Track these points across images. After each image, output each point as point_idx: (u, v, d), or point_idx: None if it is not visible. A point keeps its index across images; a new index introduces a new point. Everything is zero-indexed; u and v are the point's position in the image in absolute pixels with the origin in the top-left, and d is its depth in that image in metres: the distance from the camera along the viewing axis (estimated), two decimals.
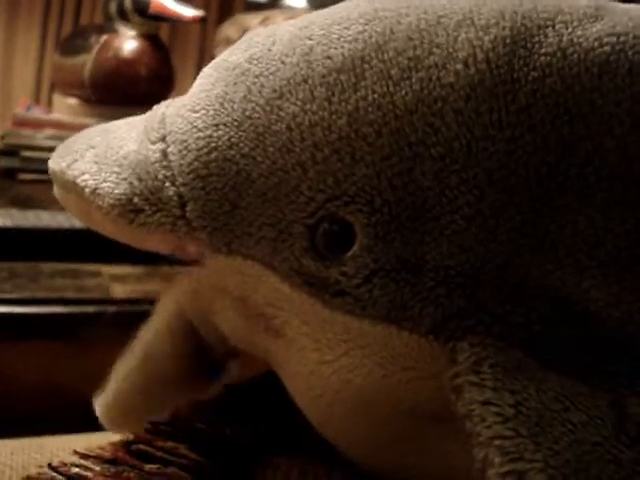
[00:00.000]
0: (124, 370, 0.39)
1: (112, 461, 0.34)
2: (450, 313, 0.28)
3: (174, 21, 1.15)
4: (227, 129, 0.32)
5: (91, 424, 0.45)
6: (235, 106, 0.32)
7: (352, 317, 0.30)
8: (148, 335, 0.39)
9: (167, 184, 0.32)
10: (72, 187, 0.34)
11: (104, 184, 0.33)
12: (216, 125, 0.32)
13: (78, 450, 0.35)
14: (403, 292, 0.29)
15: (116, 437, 0.37)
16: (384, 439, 0.32)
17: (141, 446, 0.35)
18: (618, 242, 0.28)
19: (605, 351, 0.28)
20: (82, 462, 0.34)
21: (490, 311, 0.28)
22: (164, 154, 0.33)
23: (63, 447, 0.42)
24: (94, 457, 0.35)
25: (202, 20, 1.10)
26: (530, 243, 0.28)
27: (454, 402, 0.26)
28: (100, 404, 0.40)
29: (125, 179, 0.33)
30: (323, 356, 0.31)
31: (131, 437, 0.36)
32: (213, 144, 0.32)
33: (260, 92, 0.32)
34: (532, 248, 0.28)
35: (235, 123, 0.32)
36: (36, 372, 0.72)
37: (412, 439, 0.32)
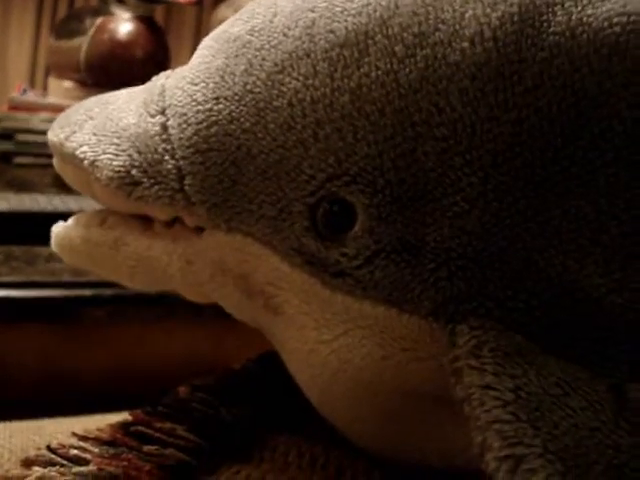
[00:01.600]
0: (91, 237, 0.36)
1: (110, 443, 0.35)
2: (450, 295, 0.28)
3: (170, 3, 1.14)
4: (227, 103, 0.31)
5: (89, 406, 0.46)
6: (236, 79, 0.32)
7: (352, 298, 0.30)
8: (129, 240, 0.35)
9: (166, 157, 0.32)
10: (71, 158, 0.34)
11: (103, 156, 0.33)
12: (216, 99, 0.32)
13: (76, 432, 0.35)
14: (404, 274, 0.29)
15: (114, 419, 0.37)
16: (383, 420, 0.32)
17: (139, 427, 0.35)
18: (623, 228, 0.28)
19: (606, 337, 0.28)
20: (81, 444, 0.35)
21: (491, 295, 0.28)
22: (164, 127, 0.32)
23: (61, 429, 0.42)
24: (92, 439, 0.35)
25: (198, 2, 1.10)
26: (533, 227, 0.28)
27: (453, 385, 0.26)
28: (60, 237, 0.37)
29: (124, 151, 0.33)
30: (322, 335, 0.31)
31: (129, 419, 0.36)
32: (213, 118, 0.32)
33: (261, 66, 0.31)
34: (535, 232, 0.28)
35: (236, 97, 0.31)
36: (34, 355, 0.72)
37: (411, 420, 0.32)
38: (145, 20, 1.13)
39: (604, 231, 0.28)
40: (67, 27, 1.19)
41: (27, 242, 0.79)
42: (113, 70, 1.11)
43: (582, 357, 0.28)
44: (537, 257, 0.28)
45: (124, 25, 1.12)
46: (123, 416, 0.37)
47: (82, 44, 1.12)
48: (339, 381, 0.31)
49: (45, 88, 1.50)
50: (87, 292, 0.73)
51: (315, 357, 0.31)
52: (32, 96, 1.21)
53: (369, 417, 0.32)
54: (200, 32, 1.90)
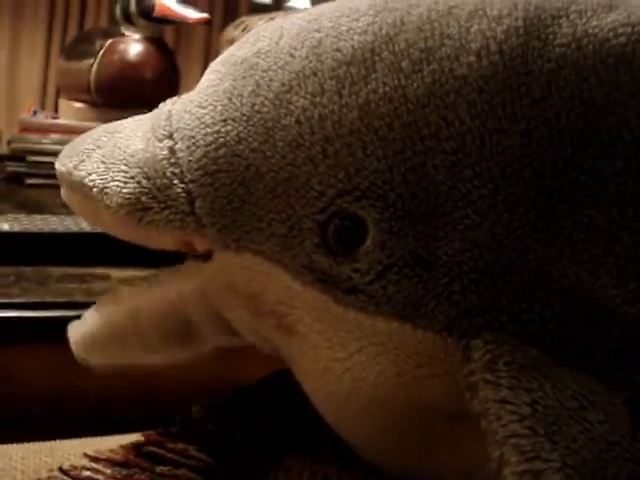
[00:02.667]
0: (108, 318, 0.38)
1: (123, 464, 0.34)
2: (464, 310, 0.28)
3: (179, 24, 1.15)
4: (235, 124, 0.32)
5: (101, 427, 0.45)
6: (243, 100, 0.32)
7: (365, 314, 0.30)
8: (143, 300, 0.37)
9: (175, 181, 0.32)
10: (79, 187, 0.34)
11: (112, 183, 0.33)
12: (224, 120, 0.32)
13: (89, 453, 0.35)
14: (417, 288, 0.29)
15: (127, 440, 0.37)
16: (398, 436, 0.32)
17: (152, 448, 0.35)
18: (635, 237, 0.28)
19: (620, 348, 0.28)
20: (93, 465, 0.34)
21: (504, 308, 0.28)
22: (172, 151, 0.33)
23: (74, 450, 0.42)
24: (105, 460, 0.35)
25: (207, 22, 1.10)
26: (545, 238, 0.28)
27: (469, 400, 0.26)
28: (76, 331, 0.38)
29: (133, 178, 0.33)
30: (336, 353, 0.31)
31: (142, 439, 0.36)
32: (222, 139, 0.32)
33: (269, 86, 0.31)
34: (547, 243, 0.28)
35: (244, 118, 0.32)
36: (45, 376, 0.72)
37: (427, 437, 0.31)
38: (155, 41, 1.14)
39: (616, 241, 0.28)
40: (77, 48, 1.20)
41: (38, 263, 0.80)
42: (123, 91, 1.11)
43: (597, 369, 0.27)
44: (550, 268, 0.28)
45: (134, 46, 1.13)
46: (135, 437, 0.37)
47: (92, 65, 1.13)
48: (354, 399, 0.31)
49: (56, 109, 1.52)
50: None
51: (329, 376, 0.31)
52: (43, 117, 1.22)
53: (384, 434, 0.32)
54: (209, 52, 1.91)
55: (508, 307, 0.28)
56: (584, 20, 0.29)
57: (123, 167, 0.33)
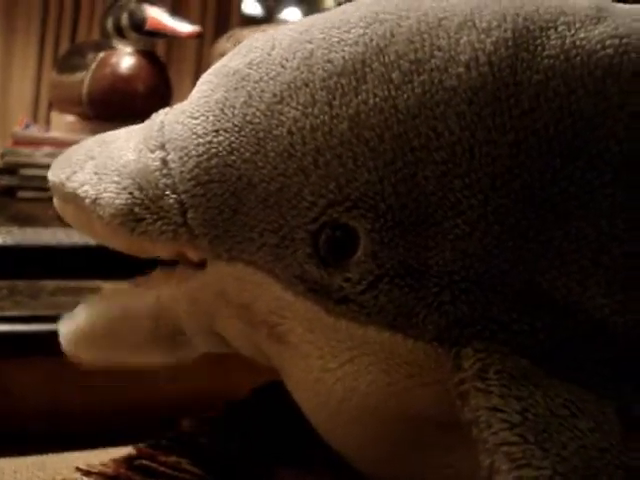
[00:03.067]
0: (99, 312, 0.37)
1: (115, 477, 0.34)
2: (454, 319, 0.28)
3: (171, 37, 1.15)
4: (227, 134, 0.32)
5: (96, 439, 0.45)
6: (235, 111, 0.32)
7: (357, 324, 0.30)
8: (136, 300, 0.37)
9: (168, 192, 0.32)
10: (72, 198, 0.34)
11: (105, 194, 0.33)
12: (216, 131, 0.32)
13: (81, 467, 0.35)
14: (407, 298, 0.29)
15: (118, 453, 0.37)
16: (390, 446, 0.32)
17: (144, 461, 0.35)
18: (624, 248, 0.28)
19: (609, 358, 0.28)
20: (85, 479, 0.34)
21: (495, 318, 0.28)
22: (164, 162, 0.33)
23: (66, 464, 0.41)
24: (97, 474, 0.35)
25: (198, 36, 1.11)
26: (535, 249, 0.28)
27: (460, 408, 0.26)
28: (67, 328, 0.38)
29: (125, 188, 0.33)
30: (327, 364, 0.31)
31: (134, 453, 0.36)
32: (214, 150, 0.32)
33: (261, 97, 0.32)
34: (537, 254, 0.28)
35: (236, 128, 0.32)
36: (37, 389, 0.72)
37: (418, 446, 0.31)
38: (146, 54, 1.14)
39: (605, 252, 0.28)
40: (69, 62, 1.20)
41: (31, 276, 0.79)
42: (115, 104, 1.11)
43: (586, 379, 0.27)
44: (540, 279, 0.28)
45: (126, 59, 1.13)
46: (127, 450, 0.37)
47: (84, 78, 1.13)
48: (345, 409, 0.31)
49: (48, 122, 1.52)
50: None
51: (320, 386, 0.31)
52: (35, 131, 1.22)
53: (376, 443, 0.32)
54: (201, 65, 1.92)
55: (498, 317, 0.28)
56: (572, 32, 0.29)
57: (116, 178, 0.33)
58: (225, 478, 0.35)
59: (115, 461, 0.36)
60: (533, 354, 0.28)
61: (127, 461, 0.35)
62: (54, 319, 0.72)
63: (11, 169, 1.11)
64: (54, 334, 0.71)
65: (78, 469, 0.35)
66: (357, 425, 0.31)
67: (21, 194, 1.08)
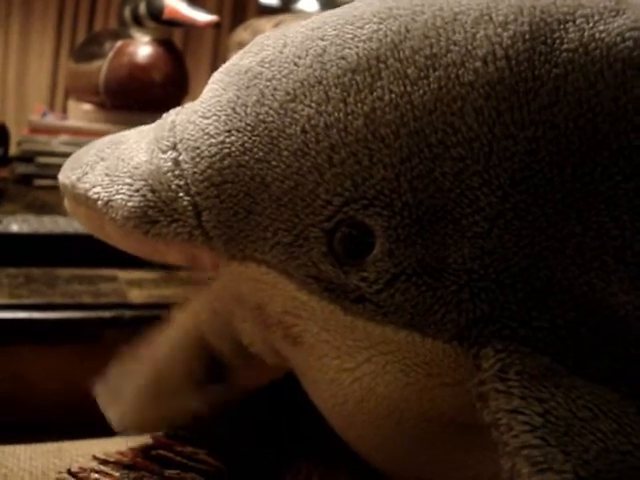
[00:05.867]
0: (135, 384, 0.38)
1: (131, 466, 0.34)
2: (474, 318, 0.28)
3: (188, 26, 1.15)
4: (240, 134, 0.31)
5: (110, 428, 0.45)
6: (248, 110, 0.31)
7: (374, 324, 0.29)
8: (161, 350, 0.38)
9: (181, 194, 0.32)
10: (83, 200, 0.34)
11: (117, 196, 0.33)
12: (229, 131, 0.32)
13: (97, 455, 0.35)
14: (425, 297, 0.28)
15: (135, 442, 0.37)
16: (408, 446, 0.32)
17: (160, 451, 0.35)
18: None
19: (633, 356, 0.28)
20: (101, 468, 0.34)
21: (515, 316, 0.28)
22: (176, 162, 0.32)
23: (82, 452, 0.42)
24: (113, 463, 0.35)
25: (216, 25, 1.10)
26: (555, 245, 0.27)
27: (480, 410, 0.26)
28: (115, 415, 0.39)
29: (138, 191, 0.32)
30: (344, 364, 0.30)
31: (150, 442, 0.36)
32: (226, 150, 0.31)
33: (273, 95, 0.31)
34: (557, 251, 0.27)
35: (248, 128, 0.31)
36: (53, 377, 0.72)
37: (436, 447, 0.31)
38: (164, 43, 1.14)
39: (628, 247, 0.27)
40: (86, 50, 1.20)
41: (47, 264, 0.80)
42: (132, 93, 1.12)
43: (609, 377, 0.27)
44: (560, 276, 0.28)
45: (143, 48, 1.13)
46: (144, 439, 0.37)
47: (101, 67, 1.13)
48: (363, 409, 0.31)
49: (65, 111, 1.52)
50: (107, 314, 0.73)
51: (337, 386, 0.31)
52: (52, 119, 1.22)
53: (394, 444, 0.32)
54: (218, 55, 1.92)
55: (518, 315, 0.28)
56: (591, 24, 0.29)
57: (128, 180, 0.33)
58: (241, 469, 0.35)
59: (132, 450, 0.36)
60: (554, 352, 0.27)
61: (144, 450, 0.35)
62: (70, 307, 0.72)
63: (28, 157, 1.11)
64: (70, 322, 0.72)
65: (95, 457, 0.35)
66: (375, 425, 0.31)
67: (38, 182, 1.09)
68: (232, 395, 0.38)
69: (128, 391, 0.38)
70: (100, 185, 0.33)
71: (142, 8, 1.12)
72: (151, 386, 0.38)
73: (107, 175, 0.33)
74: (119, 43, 1.14)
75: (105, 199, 0.33)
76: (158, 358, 0.38)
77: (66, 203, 0.36)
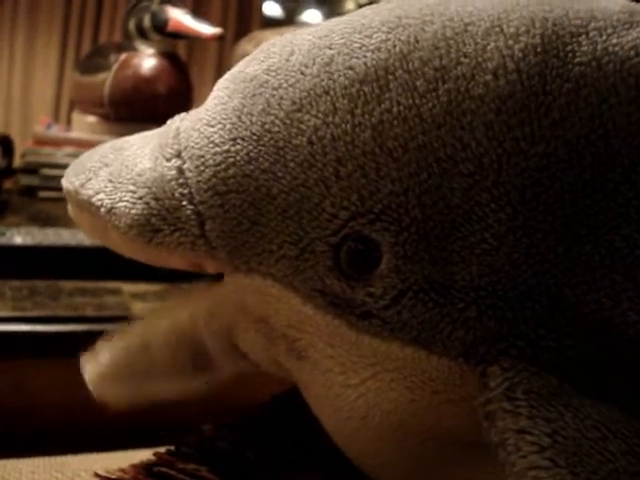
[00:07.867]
0: (120, 348, 0.38)
1: None
2: (481, 335, 0.27)
3: (192, 38, 1.15)
4: (245, 143, 0.31)
5: (112, 441, 0.45)
6: (253, 119, 0.31)
7: (380, 340, 0.29)
8: (154, 329, 0.37)
9: (184, 202, 0.31)
10: (87, 206, 0.34)
11: (120, 204, 0.32)
12: (234, 139, 0.31)
13: (99, 472, 0.35)
14: (432, 314, 0.28)
15: (137, 457, 0.37)
16: (412, 463, 0.31)
17: (162, 468, 0.35)
18: None
19: None
20: None
21: (522, 334, 0.27)
22: (180, 171, 0.32)
23: (84, 466, 0.41)
24: None
25: (220, 37, 1.11)
26: (564, 263, 0.27)
27: (486, 429, 0.25)
28: (90, 369, 0.38)
29: (141, 198, 0.32)
30: (348, 379, 0.30)
31: (152, 459, 0.36)
32: (231, 159, 0.31)
33: (279, 105, 0.31)
34: (566, 269, 0.27)
35: (254, 137, 0.31)
36: (56, 390, 0.72)
37: (442, 465, 0.31)
38: (168, 55, 1.15)
39: (638, 266, 0.27)
40: (91, 63, 1.21)
41: (51, 276, 0.80)
42: (136, 105, 1.12)
43: (618, 397, 0.27)
44: (569, 294, 0.27)
45: (147, 60, 1.13)
46: (146, 455, 0.36)
47: (106, 79, 1.13)
48: (367, 426, 0.30)
49: (69, 123, 1.52)
50: (110, 327, 0.73)
51: (342, 402, 0.31)
52: (56, 131, 1.23)
53: (398, 461, 0.31)
54: (222, 67, 1.92)
55: (526, 333, 0.27)
56: (604, 38, 0.28)
57: (131, 187, 0.33)
58: None
59: (134, 467, 0.35)
60: (562, 371, 0.27)
61: (146, 467, 0.35)
62: (73, 320, 0.72)
63: (32, 169, 1.11)
64: (73, 335, 0.72)
65: (96, 474, 0.35)
66: (380, 442, 0.31)
67: (42, 194, 1.09)
68: (210, 388, 0.37)
69: (108, 356, 0.37)
70: (104, 192, 0.33)
71: (147, 21, 1.12)
72: (131, 359, 0.37)
73: (110, 181, 0.33)
74: (124, 55, 1.14)
75: (108, 206, 0.33)
76: (147, 336, 0.37)
77: (69, 209, 0.36)
